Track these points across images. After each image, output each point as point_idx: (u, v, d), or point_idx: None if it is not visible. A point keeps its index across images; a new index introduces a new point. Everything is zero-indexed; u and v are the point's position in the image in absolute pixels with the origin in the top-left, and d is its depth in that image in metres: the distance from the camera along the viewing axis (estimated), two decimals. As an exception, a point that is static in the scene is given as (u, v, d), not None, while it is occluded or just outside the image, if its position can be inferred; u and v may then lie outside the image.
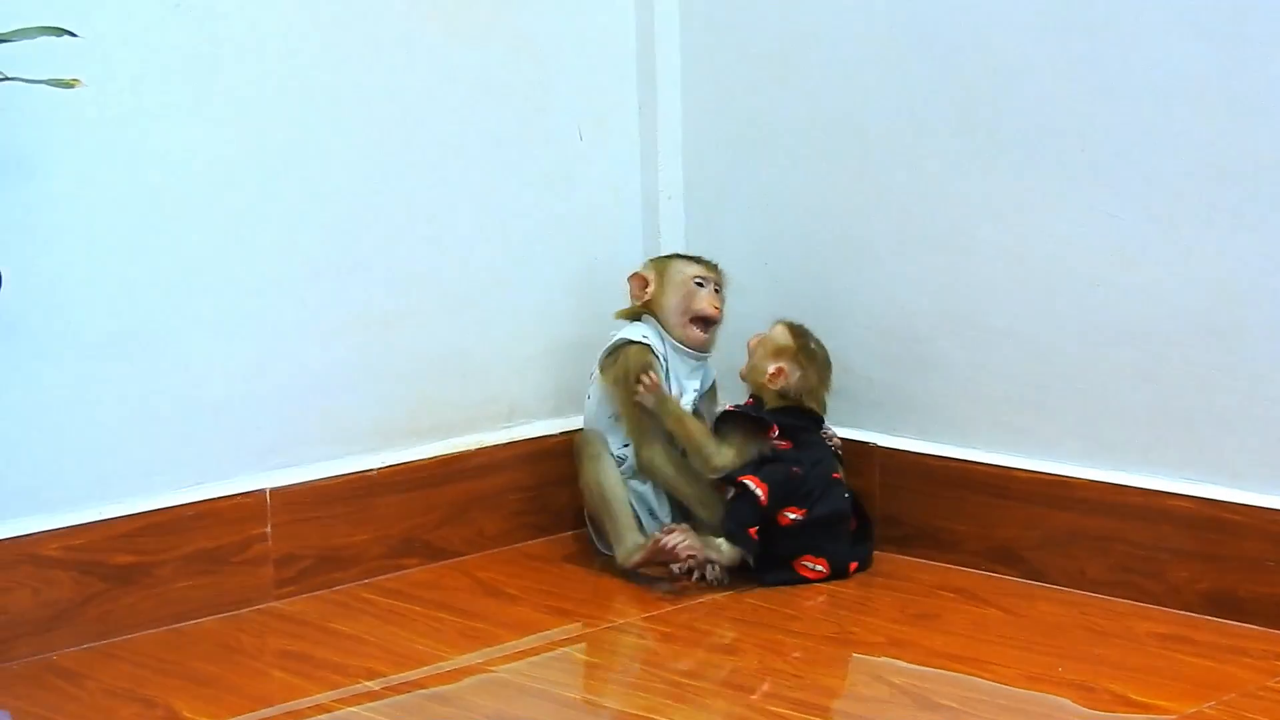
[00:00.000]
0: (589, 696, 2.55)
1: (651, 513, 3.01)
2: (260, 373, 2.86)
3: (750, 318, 3.05)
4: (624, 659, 2.69)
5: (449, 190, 3.06)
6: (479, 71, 3.07)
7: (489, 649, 2.67)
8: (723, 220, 3.24)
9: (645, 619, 2.78)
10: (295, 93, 2.87)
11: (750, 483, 2.87)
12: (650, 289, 3.04)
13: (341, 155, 2.93)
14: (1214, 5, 2.62)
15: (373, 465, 2.98)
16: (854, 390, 3.04)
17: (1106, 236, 2.77)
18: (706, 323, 3.02)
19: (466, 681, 2.55)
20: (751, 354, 3.00)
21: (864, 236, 3.05)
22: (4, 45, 2.32)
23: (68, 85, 2.31)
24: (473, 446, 3.10)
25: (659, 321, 3.03)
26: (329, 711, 2.45)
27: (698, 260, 3.06)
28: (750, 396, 3.01)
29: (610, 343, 3.03)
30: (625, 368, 2.99)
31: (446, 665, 2.60)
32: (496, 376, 3.14)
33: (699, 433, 2.95)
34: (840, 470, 2.95)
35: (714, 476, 2.94)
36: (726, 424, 2.97)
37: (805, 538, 2.89)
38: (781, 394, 2.96)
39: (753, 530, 2.86)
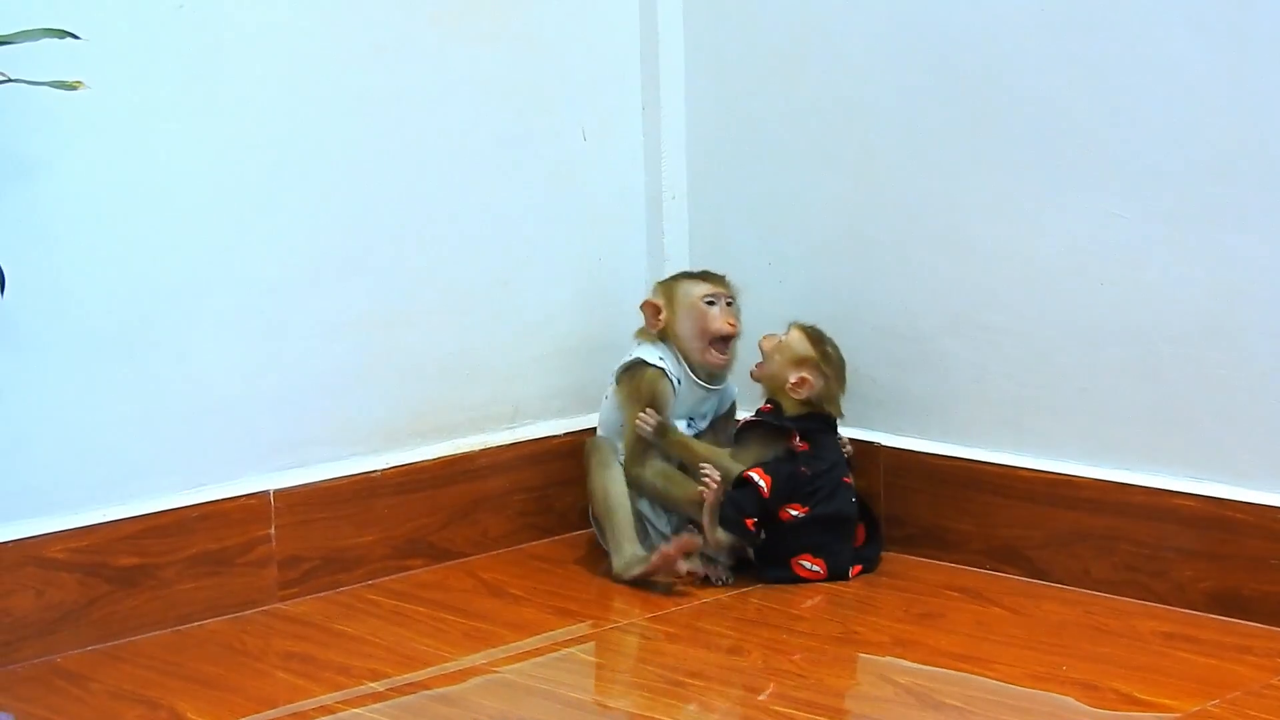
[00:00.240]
0: (594, 697, 2.54)
1: (653, 525, 2.99)
2: (264, 373, 2.86)
3: (754, 316, 3.04)
4: (629, 660, 2.69)
5: (453, 191, 3.06)
6: (483, 72, 3.07)
7: (494, 650, 2.67)
8: (726, 220, 3.24)
9: (650, 619, 2.78)
10: (298, 94, 2.87)
11: (754, 475, 2.87)
12: (663, 316, 3.01)
13: (345, 156, 2.93)
14: (1217, 5, 2.62)
15: (377, 466, 2.98)
16: (858, 390, 3.03)
17: (1110, 236, 2.76)
18: (725, 341, 3.00)
19: (471, 682, 2.55)
20: (767, 357, 2.99)
21: (868, 236, 3.05)
22: (6, 47, 2.32)
23: (70, 87, 2.31)
24: (477, 447, 3.09)
25: (678, 348, 3.00)
26: (333, 713, 2.44)
27: (704, 277, 3.04)
28: (767, 401, 3.00)
29: (629, 356, 3.00)
30: (637, 390, 2.97)
31: (451, 666, 2.60)
32: (501, 377, 3.14)
33: (707, 452, 2.94)
34: (850, 475, 2.95)
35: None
36: (748, 433, 2.97)
37: (805, 536, 2.89)
38: (803, 402, 2.96)
39: (750, 521, 2.86)
